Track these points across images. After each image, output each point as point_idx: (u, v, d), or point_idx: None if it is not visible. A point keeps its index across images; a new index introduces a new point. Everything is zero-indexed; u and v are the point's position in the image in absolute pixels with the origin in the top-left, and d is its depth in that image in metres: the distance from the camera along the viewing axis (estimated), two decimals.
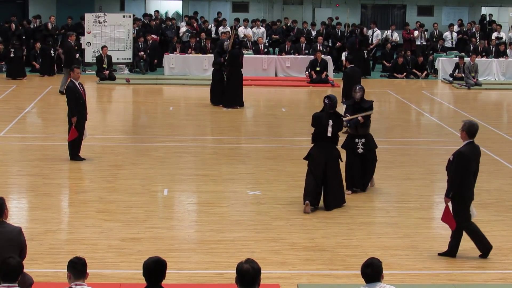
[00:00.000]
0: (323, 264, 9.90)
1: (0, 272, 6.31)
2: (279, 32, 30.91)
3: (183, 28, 30.02)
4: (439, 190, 13.90)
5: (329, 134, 12.02)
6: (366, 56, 28.53)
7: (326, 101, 12.15)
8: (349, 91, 18.05)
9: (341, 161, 12.32)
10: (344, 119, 13.00)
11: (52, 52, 27.03)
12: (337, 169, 12.17)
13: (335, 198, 12.18)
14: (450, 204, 10.11)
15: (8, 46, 27.93)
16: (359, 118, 13.16)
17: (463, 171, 9.89)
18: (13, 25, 29.04)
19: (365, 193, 13.09)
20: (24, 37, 28.45)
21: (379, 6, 36.35)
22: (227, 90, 21.38)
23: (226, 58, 21.38)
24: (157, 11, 32.35)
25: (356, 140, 13.18)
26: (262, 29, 30.37)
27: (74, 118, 14.69)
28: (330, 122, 12.01)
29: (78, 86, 14.76)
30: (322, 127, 12.03)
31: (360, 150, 13.13)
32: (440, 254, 10.24)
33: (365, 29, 29.88)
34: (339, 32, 30.35)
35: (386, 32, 30.99)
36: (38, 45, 27.44)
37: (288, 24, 31.55)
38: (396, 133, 18.74)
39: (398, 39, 31.05)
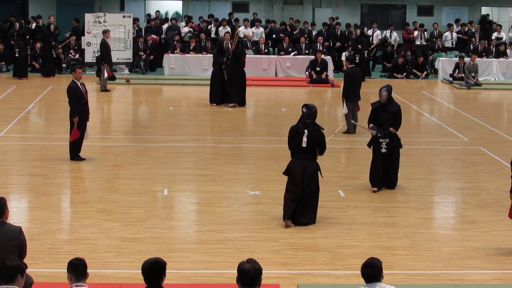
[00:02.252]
0: (323, 264, 9.90)
1: (1, 274, 6.29)
2: (282, 32, 30.90)
3: (185, 29, 29.99)
4: (439, 190, 13.94)
5: (304, 145, 11.20)
6: (366, 56, 28.57)
7: (304, 110, 11.37)
8: (349, 91, 18.08)
9: (322, 176, 11.49)
10: (374, 131, 13.06)
11: (54, 53, 27.04)
12: (313, 186, 11.33)
13: (304, 215, 11.35)
14: None
15: (8, 46, 27.94)
16: (391, 129, 13.14)
17: None
18: (17, 25, 29.02)
19: (365, 193, 13.09)
20: (28, 37, 28.43)
21: (379, 6, 36.35)
22: (229, 88, 21.38)
23: (229, 57, 21.41)
24: (158, 11, 32.35)
25: (380, 140, 13.13)
26: (261, 29, 30.35)
27: (75, 118, 14.68)
28: (306, 132, 11.22)
29: (80, 86, 14.77)
30: (298, 137, 11.28)
31: (383, 150, 13.09)
32: None
33: (365, 28, 29.91)
34: (339, 32, 30.35)
35: (384, 32, 30.98)
36: (38, 45, 27.44)
37: (286, 26, 31.57)
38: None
39: (398, 39, 31.01)
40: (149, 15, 31.91)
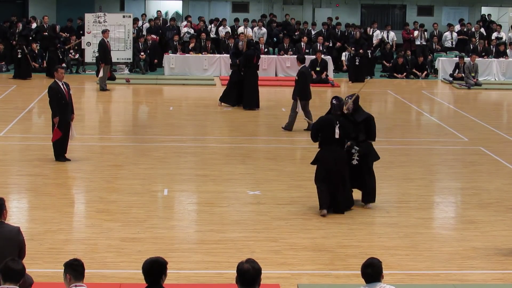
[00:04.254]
0: (323, 264, 9.90)
1: (3, 274, 6.31)
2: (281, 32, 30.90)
3: (185, 29, 29.95)
4: (439, 190, 13.93)
5: (337, 136, 11.62)
6: (370, 57, 28.62)
7: (334, 102, 11.75)
8: (303, 91, 18.27)
9: (351, 163, 11.96)
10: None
11: (59, 54, 27.03)
12: (345, 172, 11.79)
13: (345, 201, 11.92)
14: None
15: (8, 46, 27.93)
16: (368, 142, 12.22)
17: None
18: (20, 25, 28.98)
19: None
20: (30, 38, 28.43)
21: (379, 6, 36.35)
22: (244, 91, 21.37)
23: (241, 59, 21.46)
24: (159, 11, 32.33)
25: (353, 151, 12.07)
26: (264, 30, 30.38)
27: (56, 118, 14.61)
28: (338, 123, 11.64)
29: (61, 86, 14.64)
30: (331, 129, 11.66)
31: (354, 162, 12.08)
32: None
33: (368, 28, 29.92)
34: (339, 32, 30.35)
35: (381, 32, 30.95)
36: (35, 45, 27.42)
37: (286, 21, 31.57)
38: (396, 133, 18.74)
39: (395, 39, 30.99)
40: (144, 15, 32.00)
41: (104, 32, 24.71)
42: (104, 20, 27.16)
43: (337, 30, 30.46)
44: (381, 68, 29.71)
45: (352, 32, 29.19)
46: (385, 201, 12.81)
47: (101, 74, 23.94)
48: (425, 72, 28.57)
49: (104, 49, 24.23)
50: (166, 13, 34.73)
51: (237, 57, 21.78)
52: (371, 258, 6.59)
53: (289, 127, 18.25)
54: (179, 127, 18.82)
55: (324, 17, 33.22)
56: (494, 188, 13.67)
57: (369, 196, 12.28)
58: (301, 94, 18.22)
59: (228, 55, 24.56)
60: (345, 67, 29.02)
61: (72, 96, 15.00)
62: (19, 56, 26.09)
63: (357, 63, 27.39)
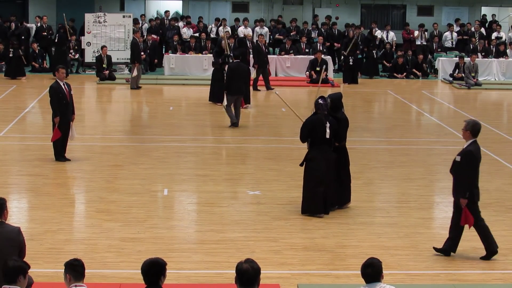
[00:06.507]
0: (323, 264, 9.90)
1: (4, 275, 6.30)
2: (282, 32, 30.85)
3: (184, 29, 29.95)
4: (439, 190, 13.93)
5: (328, 136, 11.53)
6: (375, 56, 28.59)
7: (321, 101, 11.62)
8: (230, 85, 18.66)
9: (338, 165, 11.82)
10: None
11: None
12: (334, 172, 11.75)
13: (335, 199, 11.89)
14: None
15: (8, 46, 27.95)
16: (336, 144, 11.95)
17: (474, 169, 9.86)
18: (13, 25, 29.02)
19: (365, 193, 13.09)
20: (23, 37, 28.41)
21: (379, 6, 36.35)
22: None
23: (226, 60, 21.50)
24: (168, 12, 32.28)
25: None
26: (265, 29, 30.37)
27: (56, 118, 14.60)
28: (328, 123, 11.56)
29: (62, 86, 14.63)
30: (323, 128, 11.58)
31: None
32: (436, 250, 10.23)
33: (373, 30, 29.90)
34: (336, 32, 30.30)
35: (381, 32, 30.93)
36: (35, 45, 27.41)
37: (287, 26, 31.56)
38: (396, 133, 18.75)
39: (395, 39, 30.97)
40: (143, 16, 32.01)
41: (135, 32, 25.03)
42: (104, 20, 27.16)
43: (334, 30, 30.41)
44: (381, 68, 29.69)
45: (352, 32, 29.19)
46: (385, 201, 12.82)
47: (135, 73, 24.13)
48: (422, 72, 28.53)
49: (137, 48, 24.34)
50: (166, 13, 34.69)
51: (219, 56, 21.95)
52: (371, 258, 6.59)
53: (233, 123, 18.63)
54: (179, 127, 18.83)
55: (324, 17, 33.19)
56: (494, 188, 13.66)
57: (344, 197, 12.17)
58: (229, 89, 18.59)
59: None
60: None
61: (73, 96, 15.01)
62: (11, 55, 26.16)
63: (350, 63, 27.26)
